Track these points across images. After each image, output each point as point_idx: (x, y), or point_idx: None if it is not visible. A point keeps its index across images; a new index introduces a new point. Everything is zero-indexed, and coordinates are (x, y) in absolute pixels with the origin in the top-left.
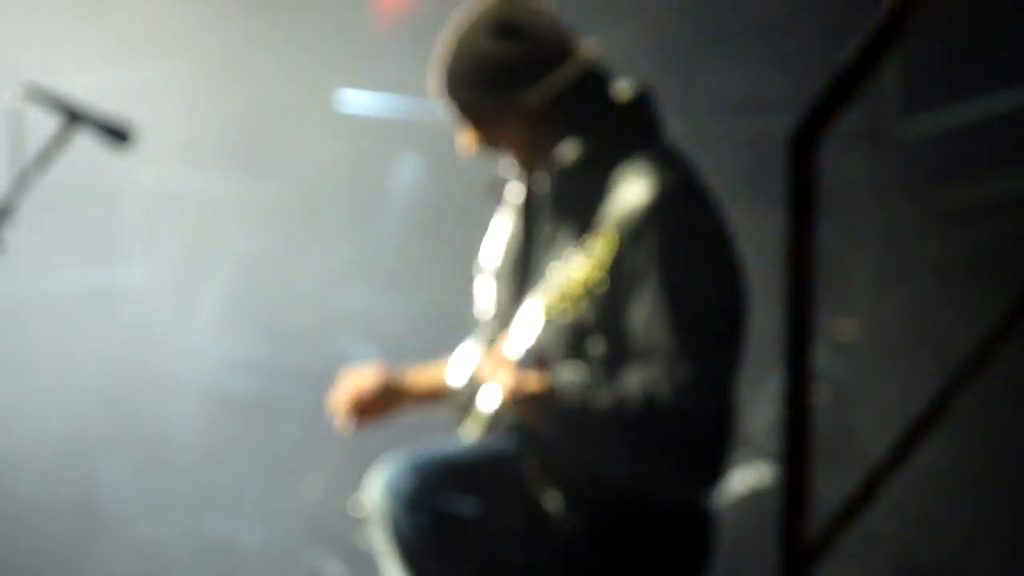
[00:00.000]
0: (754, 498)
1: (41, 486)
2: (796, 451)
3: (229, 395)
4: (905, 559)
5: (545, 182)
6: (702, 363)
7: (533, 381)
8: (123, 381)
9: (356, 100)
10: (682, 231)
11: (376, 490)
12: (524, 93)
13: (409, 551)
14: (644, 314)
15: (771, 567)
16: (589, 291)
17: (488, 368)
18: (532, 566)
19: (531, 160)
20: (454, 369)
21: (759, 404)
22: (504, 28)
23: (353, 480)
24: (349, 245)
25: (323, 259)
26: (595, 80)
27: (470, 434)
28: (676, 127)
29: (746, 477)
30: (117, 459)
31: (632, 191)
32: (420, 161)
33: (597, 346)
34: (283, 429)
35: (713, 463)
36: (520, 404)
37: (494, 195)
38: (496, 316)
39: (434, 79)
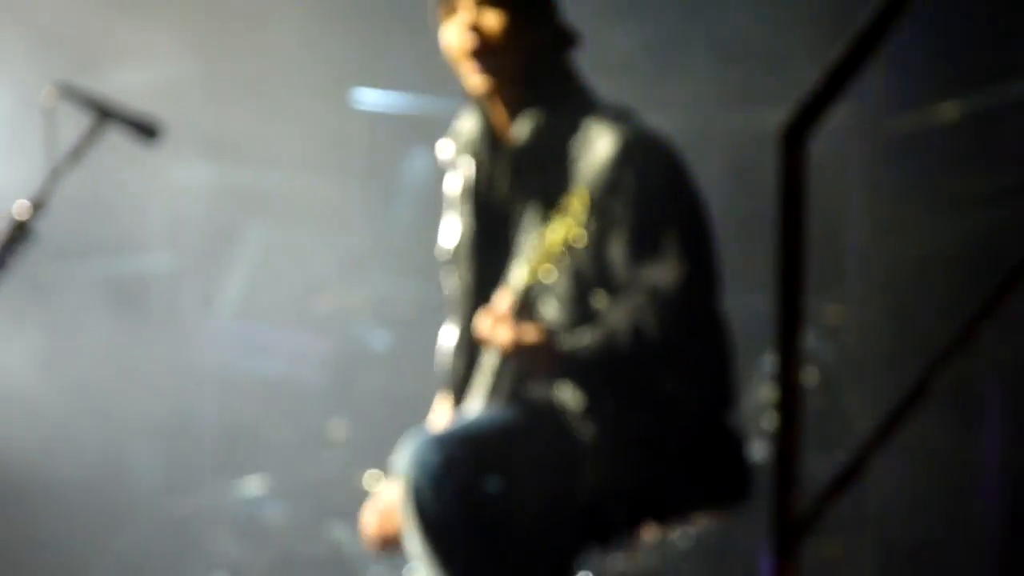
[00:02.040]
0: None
1: (74, 464)
2: (787, 430)
3: (252, 376)
4: (888, 537)
5: (510, 148)
6: (688, 288)
7: (529, 331)
8: (152, 364)
9: (371, 98)
10: (650, 174)
11: (401, 464)
12: (554, 25)
13: (433, 524)
14: (628, 254)
15: (762, 538)
16: (570, 247)
17: (485, 327)
18: (554, 531)
19: (517, 103)
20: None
21: (752, 385)
22: None
23: (371, 456)
24: (365, 234)
25: (340, 248)
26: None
27: (477, 400)
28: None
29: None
30: (145, 438)
31: (599, 147)
32: (431, 155)
33: (600, 300)
34: (303, 409)
35: (716, 379)
36: (520, 354)
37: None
38: (467, 295)
39: None
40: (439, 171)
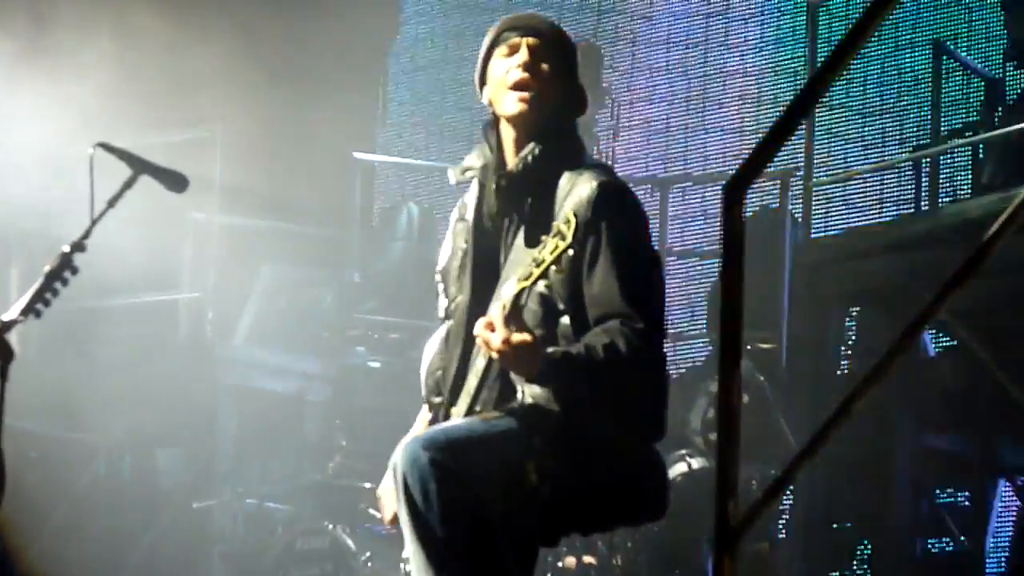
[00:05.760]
0: (689, 483)
1: (110, 468)
2: (727, 445)
3: (265, 394)
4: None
5: (507, 173)
6: (650, 321)
7: (519, 334)
8: (179, 382)
9: (368, 158)
10: (626, 220)
11: (399, 461)
12: (577, 87)
13: (423, 519)
14: (602, 285)
15: (702, 540)
16: (557, 263)
17: (479, 329)
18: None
19: (529, 137)
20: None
21: (695, 407)
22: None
23: (368, 461)
24: (363, 272)
25: (340, 284)
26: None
27: (463, 401)
28: None
29: (683, 467)
30: (173, 446)
31: (585, 189)
32: (417, 209)
33: (563, 323)
34: (308, 421)
35: (655, 406)
36: (510, 353)
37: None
38: (460, 309)
39: (529, 19)
40: (424, 222)
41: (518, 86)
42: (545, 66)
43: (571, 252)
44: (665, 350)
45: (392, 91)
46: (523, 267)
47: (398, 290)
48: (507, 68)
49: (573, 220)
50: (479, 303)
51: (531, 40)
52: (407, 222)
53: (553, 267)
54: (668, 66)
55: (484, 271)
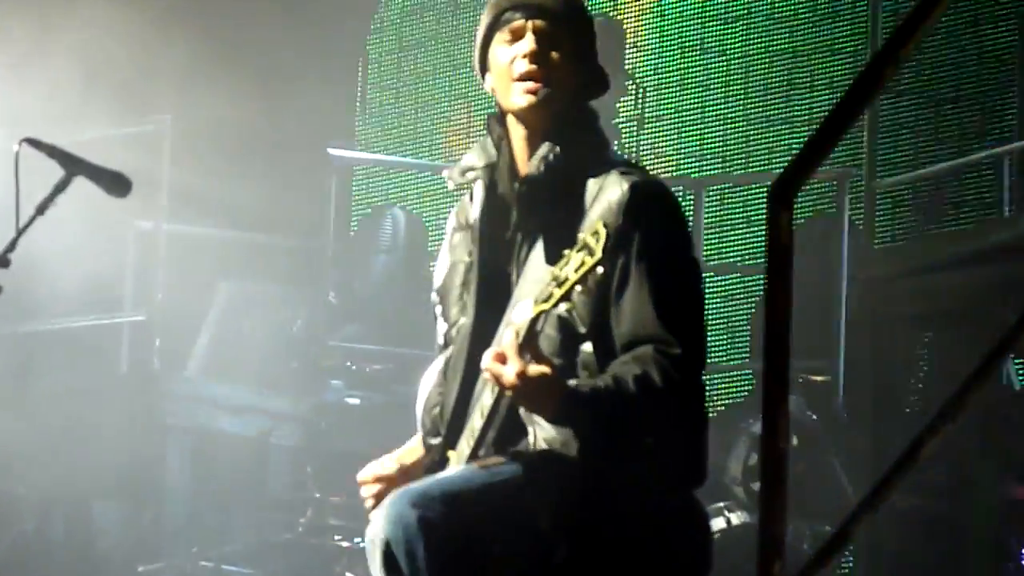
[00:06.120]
0: (728, 542)
1: (40, 526)
2: (772, 496)
3: (223, 436)
4: None
5: (522, 177)
6: (690, 347)
7: (536, 365)
8: (121, 422)
9: (345, 155)
10: (665, 227)
11: (379, 523)
12: (593, 66)
13: None
14: (633, 304)
15: None
16: (584, 280)
17: (487, 361)
18: None
19: (543, 133)
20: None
21: (735, 452)
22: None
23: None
24: (338, 292)
25: (313, 305)
26: None
27: (465, 445)
28: None
29: (720, 523)
30: (113, 499)
31: (615, 192)
32: (404, 215)
33: (584, 350)
34: (274, 469)
35: (694, 450)
36: (524, 389)
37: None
38: (464, 333)
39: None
40: (412, 231)
41: (525, 77)
42: (555, 53)
43: (600, 270)
44: (704, 383)
45: (374, 75)
46: (541, 286)
47: (381, 312)
48: (511, 57)
49: (603, 232)
50: (485, 327)
51: (537, 22)
52: (392, 231)
53: (578, 287)
54: (703, 45)
55: (492, 289)
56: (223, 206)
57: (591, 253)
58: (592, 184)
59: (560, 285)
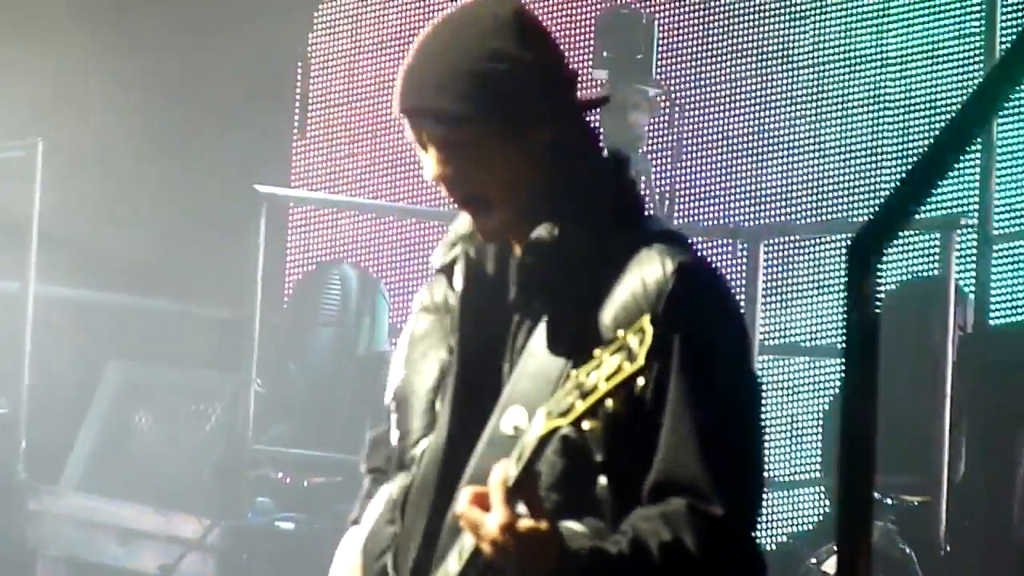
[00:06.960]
0: None
1: None
2: None
3: (110, 571)
4: None
5: (514, 260)
6: (740, 507)
7: (528, 523)
8: None
9: (278, 193)
10: (716, 327)
11: None
12: (547, 119)
13: None
14: (670, 437)
15: None
16: (619, 392)
17: (466, 507)
18: None
19: (515, 223)
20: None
21: None
22: (526, 31)
23: None
24: (265, 380)
25: (235, 397)
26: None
27: None
28: None
29: None
30: None
31: (654, 271)
32: (355, 273)
33: (600, 484)
34: None
35: None
36: (511, 548)
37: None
38: (428, 458)
39: (417, 88)
40: (366, 294)
41: (454, 199)
42: (472, 157)
43: (641, 382)
44: (760, 549)
45: (315, 87)
46: (554, 391)
47: (324, 406)
48: (429, 168)
49: (649, 331)
50: (461, 442)
51: (435, 132)
52: (340, 295)
53: (609, 400)
54: (757, 42)
55: (474, 392)
56: (111, 261)
57: (631, 358)
58: (619, 252)
59: (585, 396)
